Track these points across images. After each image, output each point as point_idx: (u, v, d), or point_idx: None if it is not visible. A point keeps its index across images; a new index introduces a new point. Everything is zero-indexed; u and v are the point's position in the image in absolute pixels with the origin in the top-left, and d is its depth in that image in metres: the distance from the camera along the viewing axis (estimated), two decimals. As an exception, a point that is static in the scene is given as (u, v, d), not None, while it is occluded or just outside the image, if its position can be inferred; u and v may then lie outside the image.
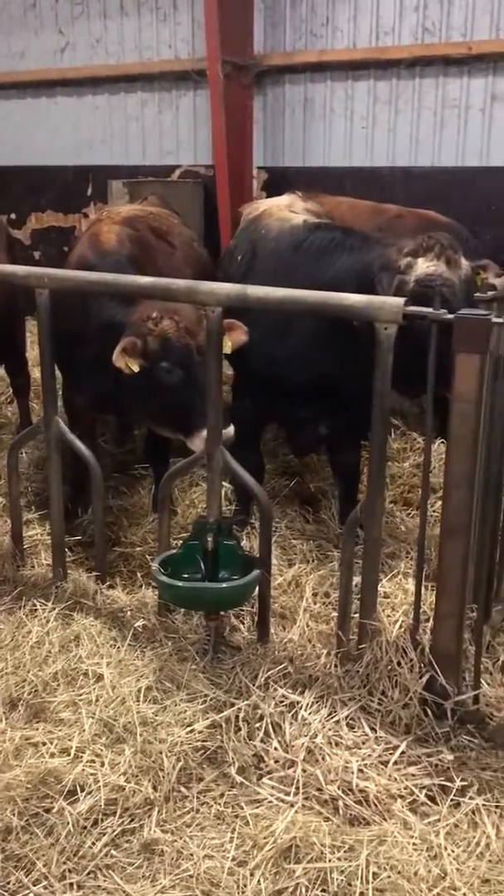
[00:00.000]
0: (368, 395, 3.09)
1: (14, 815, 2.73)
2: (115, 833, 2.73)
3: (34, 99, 9.75)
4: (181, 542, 3.72)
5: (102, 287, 3.59)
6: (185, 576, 3.37)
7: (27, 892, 2.53)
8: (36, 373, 6.74)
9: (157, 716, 3.11)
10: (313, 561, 4.29)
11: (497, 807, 2.79)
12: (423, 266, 3.60)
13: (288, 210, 4.59)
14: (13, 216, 9.72)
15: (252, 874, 2.58)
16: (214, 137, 8.26)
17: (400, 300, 2.98)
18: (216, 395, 3.37)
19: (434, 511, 4.18)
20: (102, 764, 2.93)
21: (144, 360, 3.87)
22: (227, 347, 3.57)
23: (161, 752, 2.95)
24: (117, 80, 9.18)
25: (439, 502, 3.36)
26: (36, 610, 3.64)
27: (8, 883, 2.55)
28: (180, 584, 3.28)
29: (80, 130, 9.58)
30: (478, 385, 2.85)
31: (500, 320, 2.85)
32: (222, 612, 3.53)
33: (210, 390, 3.36)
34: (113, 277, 3.57)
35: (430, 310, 2.92)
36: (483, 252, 6.53)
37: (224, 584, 3.30)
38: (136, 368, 3.83)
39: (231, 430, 3.67)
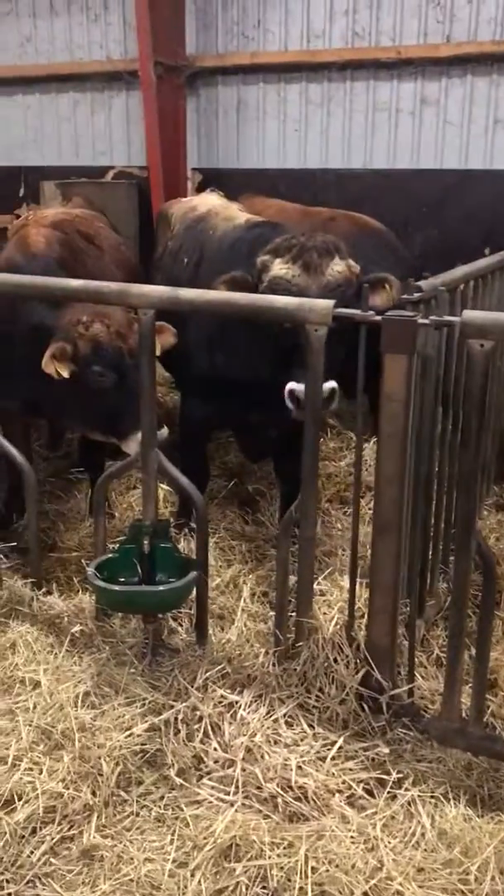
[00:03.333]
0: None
1: (-50, 828, 2.69)
2: (53, 841, 2.72)
3: (-37, 98, 9.60)
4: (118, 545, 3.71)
5: (33, 290, 3.56)
6: (122, 579, 3.36)
7: (-37, 905, 2.50)
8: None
9: (95, 721, 3.09)
10: (252, 561, 4.32)
11: (432, 797, 2.85)
12: (277, 268, 3.60)
13: (233, 209, 4.61)
14: None
15: (192, 875, 2.59)
16: (148, 138, 8.24)
17: (330, 302, 3.02)
18: (150, 398, 3.36)
19: (368, 508, 4.25)
20: (41, 771, 2.90)
21: (75, 365, 3.85)
22: (157, 349, 3.57)
23: (100, 758, 2.94)
24: (48, 81, 9.08)
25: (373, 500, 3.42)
26: (-30, 619, 3.59)
27: None
28: (116, 588, 3.26)
29: (12, 130, 9.44)
30: (406, 385, 2.92)
31: (426, 321, 2.91)
32: (160, 615, 3.52)
33: (144, 393, 3.36)
34: (44, 281, 3.54)
35: (358, 311, 2.97)
36: (414, 252, 6.72)
37: (160, 587, 3.30)
38: (65, 374, 3.81)
39: (165, 431, 3.67)
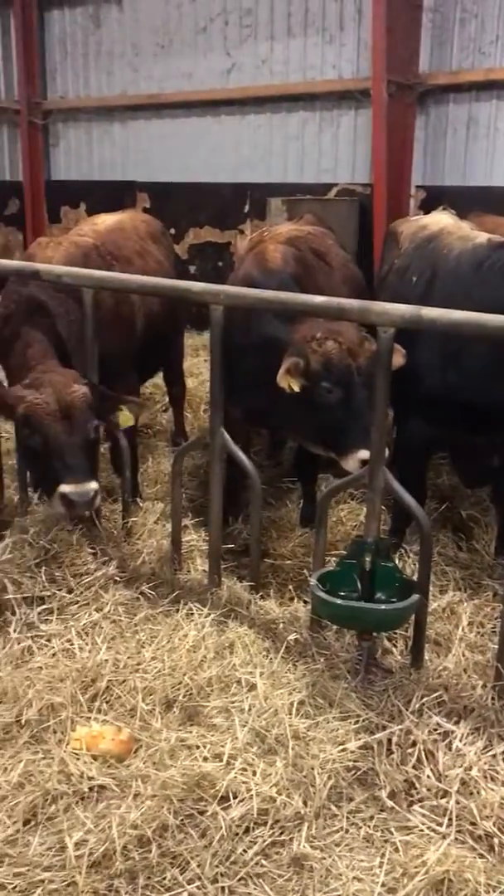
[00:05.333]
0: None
1: (170, 813, 2.80)
2: (265, 843, 2.76)
3: (199, 118, 10.10)
4: (335, 559, 3.74)
5: (276, 305, 3.66)
6: (342, 594, 3.37)
7: (181, 889, 2.60)
8: (190, 383, 6.97)
9: (309, 731, 3.12)
10: (467, 589, 4.20)
11: None
12: None
13: (467, 229, 4.53)
14: (172, 231, 10.04)
15: (403, 902, 2.55)
16: (374, 156, 8.29)
17: None
18: (382, 416, 3.36)
19: None
20: (254, 773, 2.95)
21: (306, 380, 3.94)
22: None
23: (313, 768, 2.96)
24: (280, 100, 9.38)
25: None
26: (192, 614, 3.73)
27: (164, 878, 2.63)
28: (339, 602, 3.28)
29: (241, 148, 9.83)
30: None
31: None
32: (376, 634, 3.51)
33: (377, 410, 3.36)
34: (286, 296, 3.64)
35: None
36: None
37: (383, 606, 3.28)
38: (297, 388, 3.91)
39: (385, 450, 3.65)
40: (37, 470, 4.20)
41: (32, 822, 2.83)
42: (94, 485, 3.91)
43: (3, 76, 11.62)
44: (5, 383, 4.50)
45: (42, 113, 11.70)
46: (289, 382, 3.90)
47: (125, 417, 4.24)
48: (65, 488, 3.83)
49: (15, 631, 3.62)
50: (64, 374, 4.10)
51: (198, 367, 7.85)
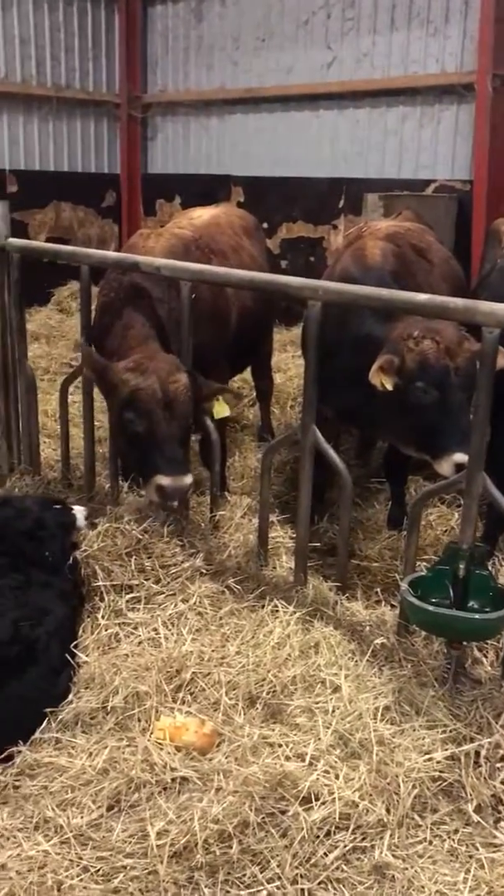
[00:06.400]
0: None
1: (251, 810, 2.78)
2: (346, 848, 2.72)
3: (298, 112, 10.04)
4: (427, 564, 3.66)
5: (376, 303, 3.60)
6: (433, 600, 3.29)
7: (261, 888, 2.59)
8: (277, 378, 6.95)
9: (394, 737, 3.06)
10: None
11: None
12: None
13: None
14: (265, 225, 10.02)
15: (487, 922, 2.48)
16: (476, 152, 8.10)
17: None
18: (484, 419, 3.26)
19: None
20: (337, 776, 2.91)
21: (400, 379, 3.86)
22: None
23: (397, 776, 2.90)
24: (380, 94, 9.24)
25: None
26: (277, 611, 3.71)
27: (244, 875, 2.62)
28: (432, 609, 3.20)
29: (338, 143, 9.74)
30: None
31: None
32: (466, 643, 3.42)
33: (479, 413, 3.27)
34: (388, 293, 3.57)
35: None
36: None
37: (477, 616, 3.19)
38: (389, 386, 3.84)
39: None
40: (135, 454, 4.19)
41: (115, 809, 2.87)
42: (189, 479, 4.00)
43: (105, 70, 11.80)
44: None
45: (141, 106, 11.86)
46: (381, 380, 3.84)
47: (220, 407, 4.27)
48: (163, 480, 3.92)
49: (103, 618, 3.68)
50: (166, 360, 4.12)
51: (286, 362, 7.82)
